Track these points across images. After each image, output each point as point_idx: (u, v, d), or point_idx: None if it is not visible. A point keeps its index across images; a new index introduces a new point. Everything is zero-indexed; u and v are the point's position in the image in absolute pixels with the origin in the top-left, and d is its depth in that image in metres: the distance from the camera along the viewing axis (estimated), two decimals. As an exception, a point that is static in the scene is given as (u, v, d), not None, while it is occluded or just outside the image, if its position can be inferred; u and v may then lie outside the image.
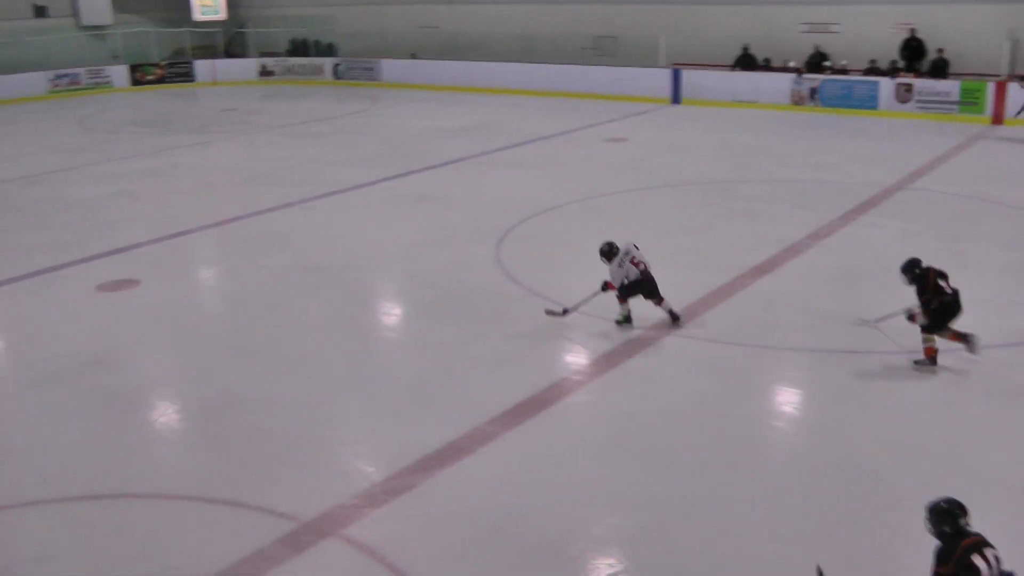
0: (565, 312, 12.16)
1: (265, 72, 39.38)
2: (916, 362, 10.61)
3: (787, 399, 10.32)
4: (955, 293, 10.41)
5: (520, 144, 24.07)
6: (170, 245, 16.69)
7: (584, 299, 12.05)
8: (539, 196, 18.53)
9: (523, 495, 8.25)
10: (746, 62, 29.87)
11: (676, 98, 29.94)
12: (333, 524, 7.92)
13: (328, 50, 39.92)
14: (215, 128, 29.28)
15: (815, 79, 28.07)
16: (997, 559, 5.61)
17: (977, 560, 5.57)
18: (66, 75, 37.62)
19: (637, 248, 11.97)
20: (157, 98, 36.43)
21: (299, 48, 40.69)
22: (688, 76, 29.88)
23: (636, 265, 11.79)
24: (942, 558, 5.65)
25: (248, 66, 39.92)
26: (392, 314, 13.65)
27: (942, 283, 10.42)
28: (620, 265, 11.82)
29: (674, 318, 11.96)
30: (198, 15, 42.21)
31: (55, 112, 33.52)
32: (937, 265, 10.57)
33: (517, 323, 12.28)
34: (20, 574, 7.61)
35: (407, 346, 12.26)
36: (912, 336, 10.65)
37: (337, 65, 38.04)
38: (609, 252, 12.01)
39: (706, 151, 22.80)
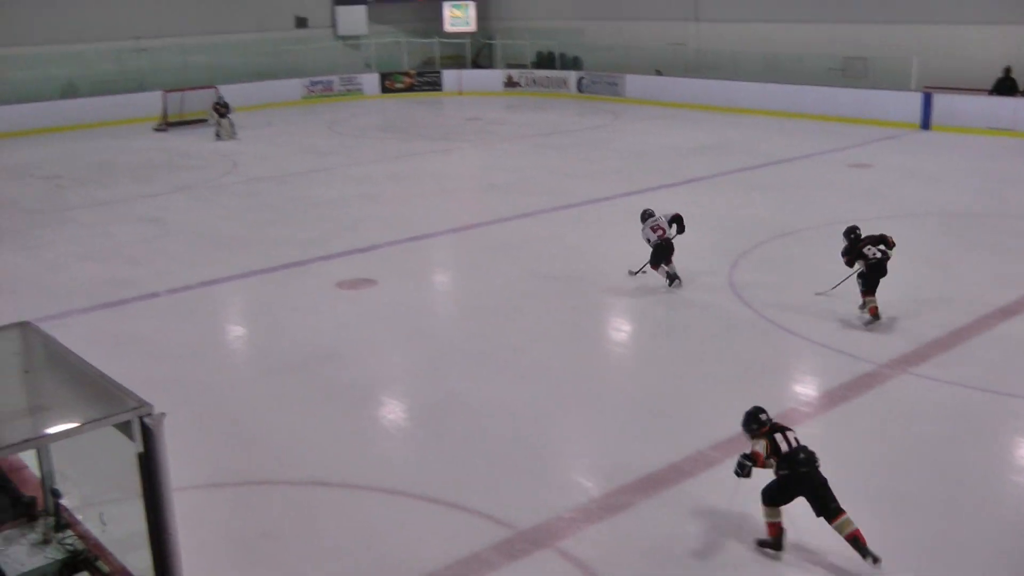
0: (632, 273, 14.77)
1: (510, 83, 39.99)
2: (866, 323, 12.59)
3: (1029, 452, 9.68)
4: (880, 258, 12.49)
5: (760, 166, 23.63)
6: (408, 247, 17.13)
7: (645, 263, 14.43)
8: (776, 219, 18.13)
9: (742, 525, 8.04)
10: (1006, 86, 28.32)
11: (926, 124, 28.75)
12: (548, 535, 7.93)
13: (573, 63, 40.21)
14: (458, 136, 29.92)
15: (1082, 107, 26.40)
16: (797, 439, 7.76)
17: (778, 437, 7.74)
18: (320, 82, 39.25)
19: (673, 224, 14.10)
20: (404, 105, 37.52)
21: (545, 61, 41.15)
22: (940, 100, 28.64)
23: (655, 231, 14.09)
24: (750, 430, 7.91)
25: (494, 77, 40.63)
26: (621, 330, 13.59)
27: (867, 250, 12.53)
28: (645, 228, 14.19)
29: (671, 279, 14.16)
30: (448, 27, 43.28)
31: (308, 116, 34.95)
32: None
33: (746, 348, 12.06)
34: (248, 546, 7.97)
35: (634, 362, 12.19)
36: None
37: (581, 79, 38.26)
38: (642, 216, 14.45)
39: (955, 181, 21.78)
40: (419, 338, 12.81)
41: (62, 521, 5.63)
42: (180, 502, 4.87)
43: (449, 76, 40.63)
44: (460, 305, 14.68)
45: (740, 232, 17.19)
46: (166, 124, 32.64)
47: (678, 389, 10.95)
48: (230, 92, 33.54)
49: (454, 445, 9.63)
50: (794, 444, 7.70)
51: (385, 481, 8.90)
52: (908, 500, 8.42)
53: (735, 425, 9.71)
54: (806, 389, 10.97)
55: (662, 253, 14.07)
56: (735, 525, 8.02)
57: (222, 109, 30.48)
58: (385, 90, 40.10)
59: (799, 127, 29.30)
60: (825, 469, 7.57)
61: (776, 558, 7.60)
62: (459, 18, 43.46)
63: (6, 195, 22.93)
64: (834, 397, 10.65)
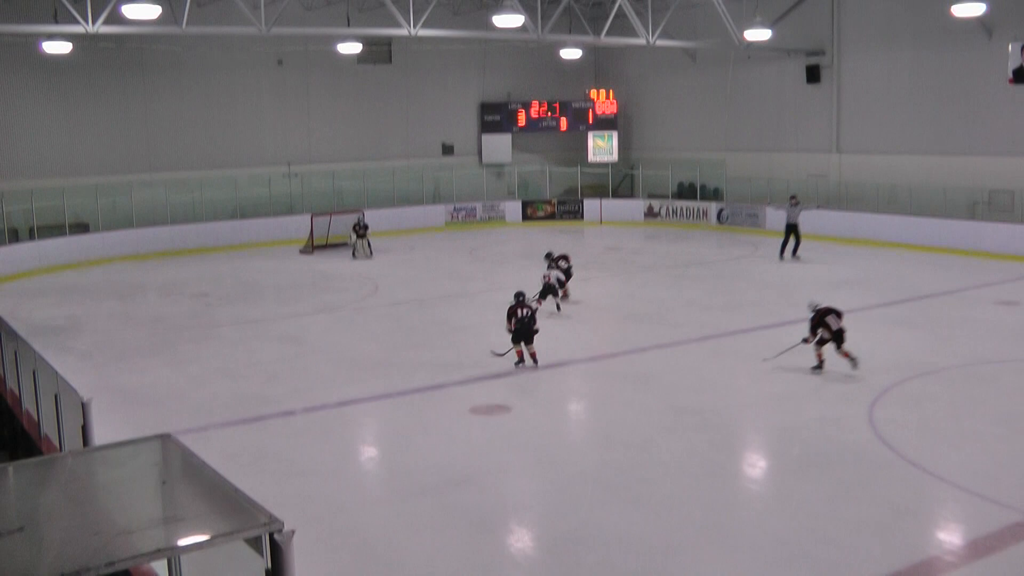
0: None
1: (651, 213, 40.10)
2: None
3: None
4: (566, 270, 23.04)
5: (902, 301, 23.06)
6: (544, 375, 17.11)
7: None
8: (919, 357, 17.59)
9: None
10: None
11: (1081, 261, 27.80)
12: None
13: (714, 194, 40.20)
14: (597, 265, 29.98)
15: None
16: (528, 312, 17.12)
17: (518, 311, 17.00)
18: (464, 208, 40.09)
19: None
20: (545, 233, 37.82)
21: (686, 191, 41.22)
22: (1097, 236, 27.69)
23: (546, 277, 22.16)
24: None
25: (634, 207, 40.82)
26: (757, 466, 13.30)
27: (562, 263, 23.32)
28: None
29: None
30: (592, 156, 43.88)
31: (451, 242, 35.55)
32: None
33: (888, 490, 11.61)
34: None
35: (771, 501, 11.85)
36: None
37: (721, 210, 38.20)
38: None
39: (1115, 322, 20.93)
40: (551, 466, 12.71)
41: (189, 633, 5.67)
42: (304, 621, 4.85)
43: (590, 205, 41.05)
44: (594, 434, 14.56)
45: (882, 369, 16.73)
46: (312, 247, 33.57)
47: (815, 530, 10.58)
48: (376, 217, 34.56)
49: (583, 576, 9.46)
50: (525, 313, 17.04)
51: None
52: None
53: (874, 570, 9.43)
54: (950, 537, 10.49)
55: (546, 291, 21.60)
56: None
57: (360, 230, 32.07)
58: (527, 217, 40.70)
59: (944, 261, 28.59)
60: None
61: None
62: (602, 148, 44.09)
63: (157, 311, 23.78)
64: (979, 547, 10.13)
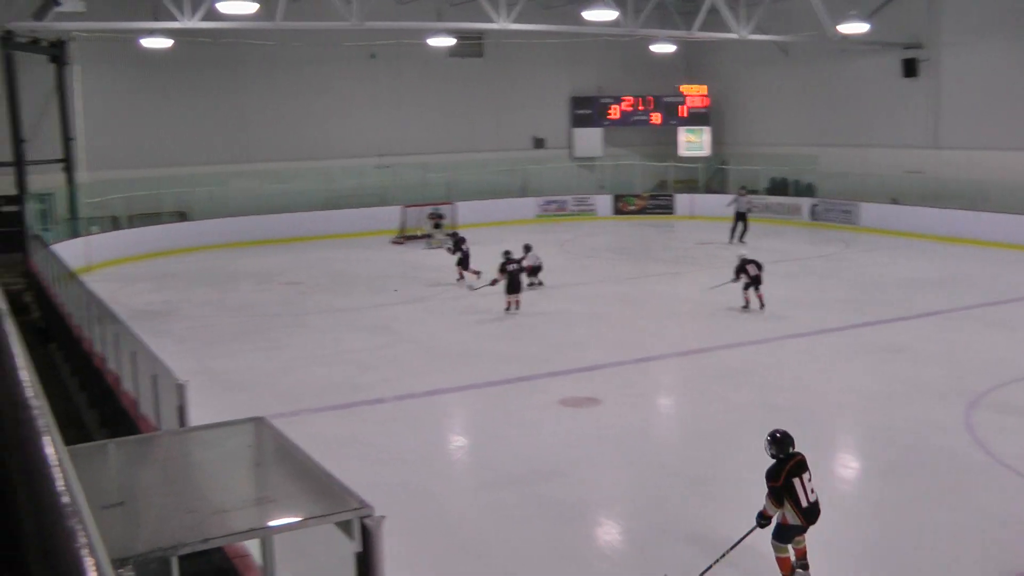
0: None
1: (742, 209, 39.69)
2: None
3: None
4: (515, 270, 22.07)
5: (1003, 301, 22.48)
6: (634, 368, 17.07)
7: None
8: (1019, 360, 17.11)
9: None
10: None
11: None
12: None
13: (807, 190, 39.58)
14: (688, 260, 29.80)
15: None
16: (518, 265, 21.55)
17: (506, 266, 21.33)
18: (554, 201, 40.05)
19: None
20: (636, 228, 37.70)
21: (778, 187, 40.66)
22: None
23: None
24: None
25: (726, 202, 40.29)
26: (848, 467, 13.07)
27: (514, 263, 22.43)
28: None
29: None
30: (683, 151, 43.51)
31: (541, 235, 35.38)
32: None
33: (983, 497, 11.27)
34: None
35: (862, 503, 11.62)
36: None
37: (814, 206, 37.65)
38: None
39: None
40: (640, 460, 12.64)
41: (281, 612, 5.73)
42: (394, 604, 4.88)
43: (681, 200, 40.75)
44: (683, 429, 14.48)
45: (979, 371, 16.34)
46: (403, 237, 33.83)
47: (906, 535, 10.36)
48: (466, 209, 34.86)
49: (670, 572, 9.38)
50: (514, 268, 20.98)
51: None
52: None
53: None
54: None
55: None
56: None
57: (437, 219, 32.96)
58: (617, 212, 40.53)
59: (1048, 262, 27.83)
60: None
61: None
62: (694, 143, 43.70)
63: (250, 299, 24.14)
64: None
